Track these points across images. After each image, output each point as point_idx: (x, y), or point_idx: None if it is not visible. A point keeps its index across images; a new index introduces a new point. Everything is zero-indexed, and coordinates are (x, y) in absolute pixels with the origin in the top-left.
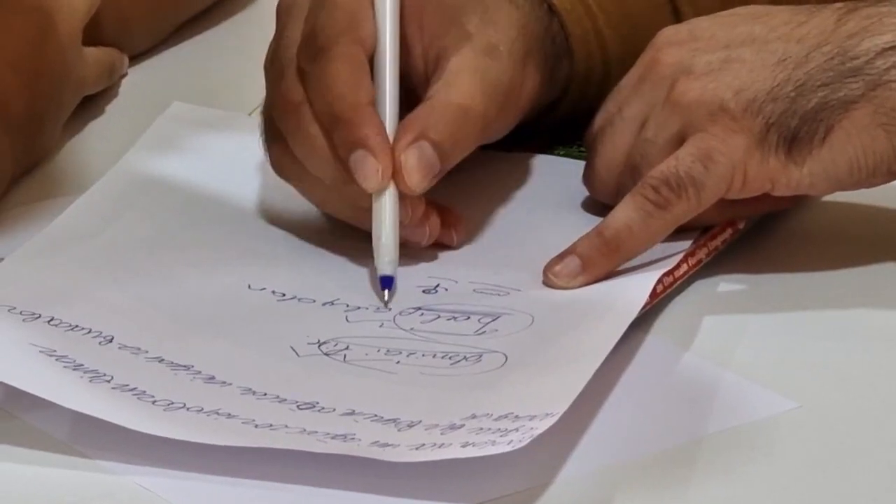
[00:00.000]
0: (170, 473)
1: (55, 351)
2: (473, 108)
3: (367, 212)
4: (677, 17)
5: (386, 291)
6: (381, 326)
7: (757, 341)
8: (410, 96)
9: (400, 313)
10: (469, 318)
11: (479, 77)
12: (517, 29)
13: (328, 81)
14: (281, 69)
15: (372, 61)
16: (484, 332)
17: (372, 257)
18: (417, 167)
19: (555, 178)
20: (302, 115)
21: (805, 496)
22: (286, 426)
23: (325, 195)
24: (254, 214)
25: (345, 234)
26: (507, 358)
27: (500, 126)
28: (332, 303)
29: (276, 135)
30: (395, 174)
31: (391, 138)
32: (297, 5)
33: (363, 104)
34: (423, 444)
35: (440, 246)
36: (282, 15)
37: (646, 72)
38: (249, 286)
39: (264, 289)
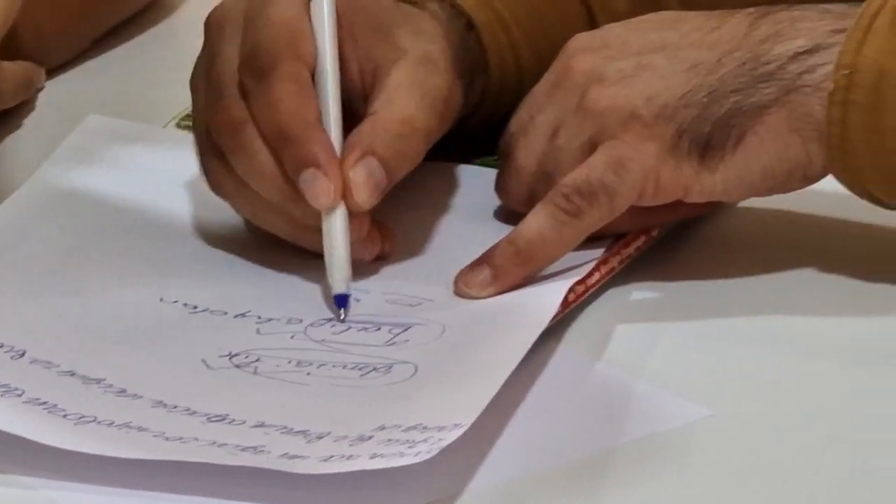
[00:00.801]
0: (82, 487)
1: None
2: (417, 122)
3: (310, 230)
4: (593, 26)
5: (342, 310)
6: (292, 338)
7: (670, 349)
8: (347, 111)
9: (311, 324)
10: (380, 328)
11: (418, 90)
12: (444, 41)
13: (274, 100)
14: (219, 87)
15: (313, 79)
16: (394, 343)
17: (291, 261)
18: (366, 184)
19: (468, 186)
20: (246, 133)
21: None
22: (196, 439)
23: (267, 213)
24: (168, 227)
25: (260, 248)
26: (416, 368)
27: (434, 140)
28: (243, 315)
29: (215, 152)
30: (345, 192)
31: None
32: (229, 22)
33: (311, 122)
34: (332, 456)
35: (378, 258)
36: (213, 31)
37: (558, 79)
38: (161, 299)
39: (176, 301)
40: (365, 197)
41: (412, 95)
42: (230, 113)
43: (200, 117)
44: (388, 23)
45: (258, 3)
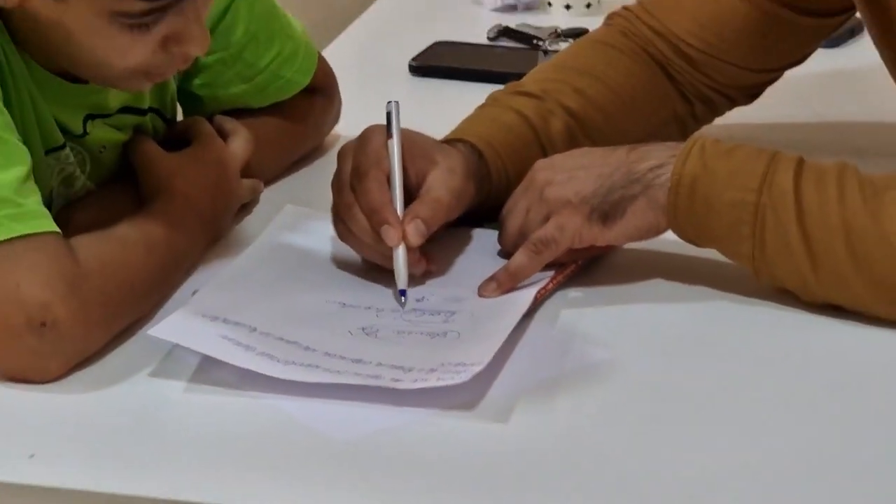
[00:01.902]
0: (286, 397)
1: (226, 335)
2: (442, 201)
3: (388, 257)
4: (543, 150)
5: (403, 298)
6: (394, 319)
7: (589, 322)
8: (407, 196)
9: (404, 312)
10: (439, 314)
11: (445, 185)
12: (463, 161)
13: (367, 192)
14: (342, 186)
15: (388, 180)
16: (447, 321)
17: (390, 283)
18: (415, 233)
19: (483, 240)
20: (354, 209)
21: (637, 405)
22: (347, 371)
23: (368, 250)
24: (327, 262)
25: (374, 274)
26: (459, 334)
27: (456, 213)
28: (368, 307)
29: (341, 220)
30: (404, 237)
31: (400, 219)
32: (347, 154)
33: (386, 203)
34: (416, 380)
35: (425, 273)
36: (340, 158)
37: (528, 183)
38: (326, 300)
39: (335, 301)
40: (414, 240)
41: (439, 187)
42: (345, 199)
43: (334, 202)
44: (429, 151)
45: (362, 142)
